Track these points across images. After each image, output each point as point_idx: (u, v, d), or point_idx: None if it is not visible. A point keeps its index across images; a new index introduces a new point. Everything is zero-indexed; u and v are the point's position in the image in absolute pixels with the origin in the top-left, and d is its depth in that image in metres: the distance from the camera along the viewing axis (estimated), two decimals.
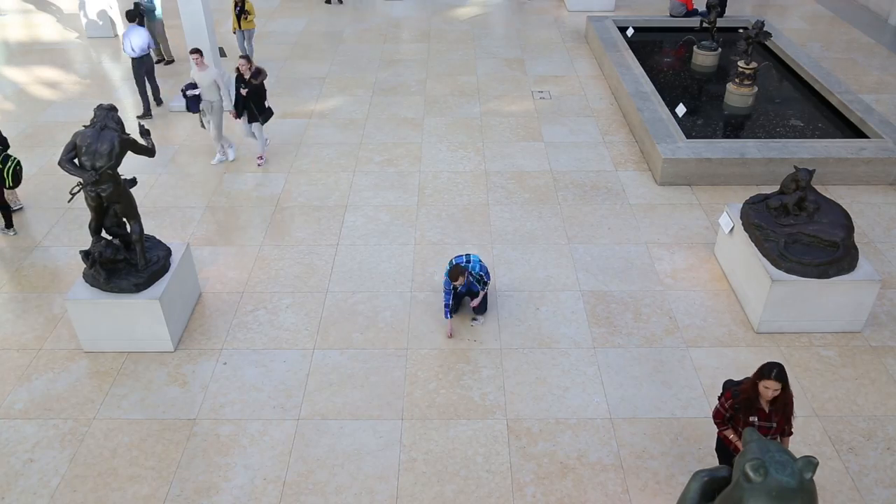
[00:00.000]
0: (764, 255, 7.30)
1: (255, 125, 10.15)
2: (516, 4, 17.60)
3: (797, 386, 6.73)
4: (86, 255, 6.91)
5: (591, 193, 9.74)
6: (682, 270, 8.28)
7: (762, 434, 4.82)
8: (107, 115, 6.57)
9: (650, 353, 7.15)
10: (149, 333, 7.08)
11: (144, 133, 6.95)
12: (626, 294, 7.93)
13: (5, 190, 8.87)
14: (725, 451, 5.26)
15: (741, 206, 7.94)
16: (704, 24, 13.26)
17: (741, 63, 11.51)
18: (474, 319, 7.55)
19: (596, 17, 15.20)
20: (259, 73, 9.90)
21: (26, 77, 13.67)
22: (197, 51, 9.82)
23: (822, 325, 7.32)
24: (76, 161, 6.49)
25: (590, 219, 9.21)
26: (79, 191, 6.64)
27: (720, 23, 13.69)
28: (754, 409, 4.87)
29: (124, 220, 7.00)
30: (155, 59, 14.02)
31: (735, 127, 11.21)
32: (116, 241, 7.04)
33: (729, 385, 5.15)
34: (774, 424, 4.88)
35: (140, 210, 9.35)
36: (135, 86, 12.38)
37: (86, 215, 9.01)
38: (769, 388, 4.72)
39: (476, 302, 7.41)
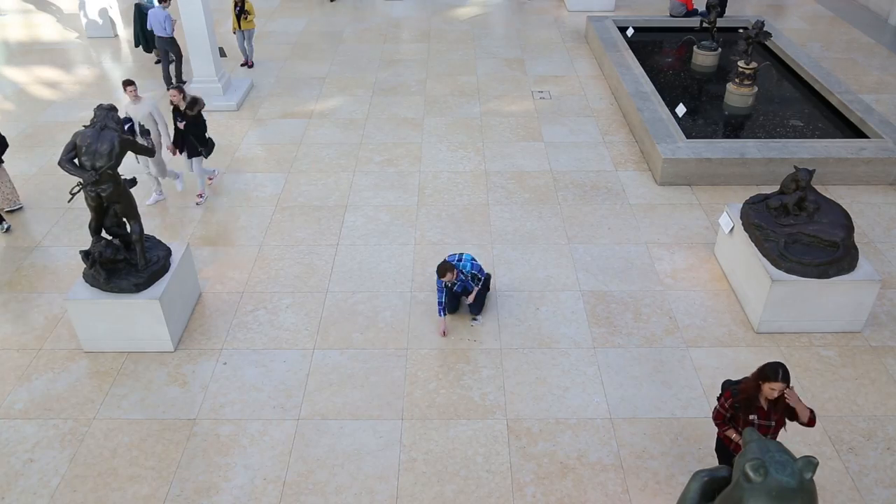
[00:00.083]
0: (764, 255, 7.30)
1: (196, 160, 9.34)
2: (516, 4, 17.60)
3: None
4: (86, 255, 6.91)
5: (591, 193, 9.74)
6: (682, 270, 8.28)
7: (762, 433, 4.82)
8: (107, 115, 6.58)
9: (650, 353, 7.15)
10: (149, 333, 7.08)
11: (144, 133, 6.95)
12: (626, 294, 7.93)
13: None
14: (725, 451, 5.26)
15: (741, 206, 7.94)
16: (704, 24, 13.26)
17: (741, 63, 11.52)
18: (474, 319, 7.55)
19: (596, 17, 15.20)
20: (195, 102, 9.09)
21: (26, 77, 13.67)
22: (130, 83, 8.87)
23: (822, 325, 7.32)
24: (76, 161, 6.49)
25: (590, 219, 9.21)
26: (79, 191, 6.65)
27: (720, 23, 13.68)
28: (754, 407, 4.88)
29: (124, 220, 7.01)
30: (155, 59, 14.04)
31: (735, 127, 11.21)
32: (116, 241, 7.05)
33: (728, 385, 5.15)
34: (774, 423, 4.88)
35: (140, 210, 9.34)
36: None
37: (86, 215, 9.00)
38: (775, 390, 4.73)
39: (471, 298, 7.42)
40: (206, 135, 9.37)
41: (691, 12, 15.13)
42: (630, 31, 14.49)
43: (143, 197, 9.70)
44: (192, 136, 9.16)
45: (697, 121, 11.24)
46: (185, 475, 5.97)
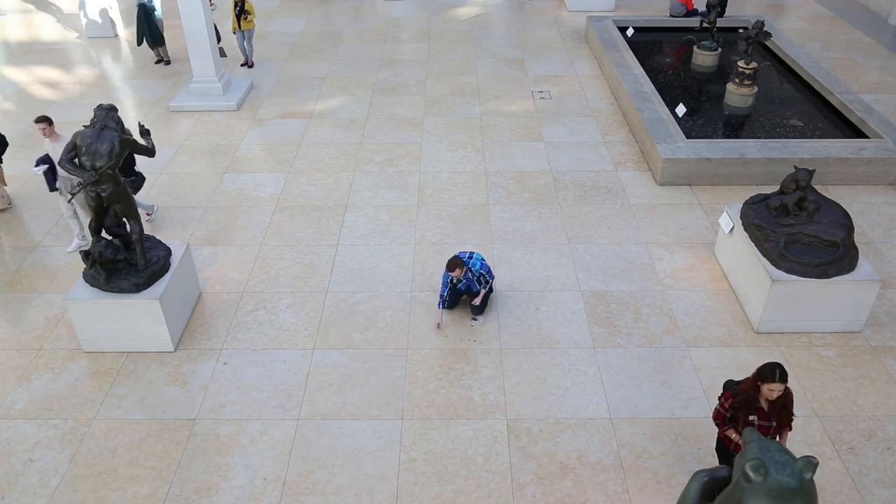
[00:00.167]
0: (764, 255, 7.30)
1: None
2: (516, 4, 17.60)
3: (797, 386, 6.73)
4: (86, 255, 6.91)
5: (591, 193, 9.74)
6: (682, 270, 8.28)
7: (762, 433, 4.83)
8: (107, 115, 6.57)
9: (650, 353, 7.15)
10: (149, 333, 7.08)
11: (144, 133, 6.95)
12: (626, 294, 7.93)
13: None
14: (725, 451, 5.27)
15: (741, 206, 7.94)
16: (704, 24, 13.25)
17: (741, 63, 11.51)
18: (474, 319, 7.55)
19: (596, 17, 15.20)
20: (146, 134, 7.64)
21: (26, 77, 13.67)
22: (44, 119, 7.96)
23: (822, 325, 7.32)
24: (76, 161, 6.49)
25: (590, 219, 9.21)
26: (79, 191, 6.64)
27: (720, 23, 13.68)
28: (754, 408, 4.88)
29: (124, 220, 7.00)
30: (154, 59, 14.04)
31: (735, 127, 11.21)
32: (116, 241, 7.04)
33: (729, 385, 5.15)
34: (774, 423, 4.89)
35: (140, 210, 9.34)
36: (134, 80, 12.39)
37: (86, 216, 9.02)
38: (774, 391, 4.73)
39: (477, 301, 7.43)
40: (135, 168, 8.67)
41: (691, 12, 15.13)
42: (630, 31, 14.49)
43: (141, 197, 9.70)
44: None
45: (697, 121, 11.24)
46: (185, 475, 5.97)
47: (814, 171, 7.31)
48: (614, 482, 5.88)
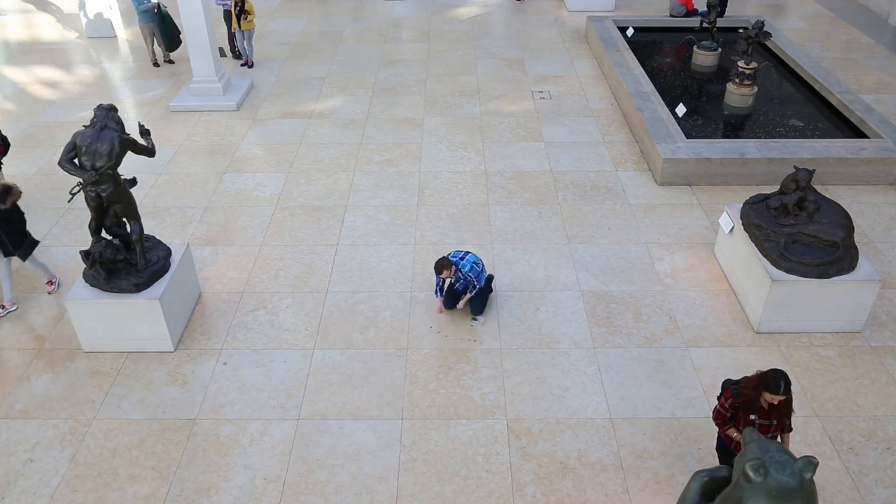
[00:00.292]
0: (764, 255, 7.29)
1: (3, 262, 7.51)
2: (516, 5, 17.60)
3: (797, 386, 6.73)
4: (86, 255, 6.91)
5: (591, 193, 9.74)
6: (682, 270, 8.28)
7: (762, 433, 4.83)
8: (107, 115, 6.57)
9: (650, 353, 7.15)
10: (149, 333, 7.08)
11: (144, 133, 6.95)
12: (626, 294, 7.92)
13: None
14: (725, 451, 5.27)
15: (741, 206, 7.94)
16: (704, 24, 13.26)
17: (741, 63, 11.51)
18: (474, 319, 7.55)
19: (596, 17, 15.20)
20: (8, 192, 7.35)
21: (26, 77, 13.67)
22: None
23: (822, 325, 7.32)
24: (76, 161, 6.49)
25: (590, 219, 9.21)
26: (79, 191, 6.64)
27: (720, 23, 13.68)
28: (754, 408, 4.88)
29: (124, 220, 7.00)
30: (151, 59, 14.03)
31: (735, 127, 11.21)
32: (116, 241, 7.04)
33: (728, 384, 5.15)
34: (775, 422, 4.89)
35: (140, 210, 9.34)
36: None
37: (86, 215, 9.00)
38: (776, 399, 4.74)
39: (460, 304, 7.47)
40: (26, 228, 7.68)
41: (691, 12, 15.13)
42: (630, 31, 14.49)
43: (141, 197, 9.70)
44: (3, 234, 7.36)
45: (697, 121, 11.24)
46: (185, 475, 5.97)
47: (814, 171, 7.31)
48: (614, 482, 5.88)
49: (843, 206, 7.77)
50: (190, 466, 6.04)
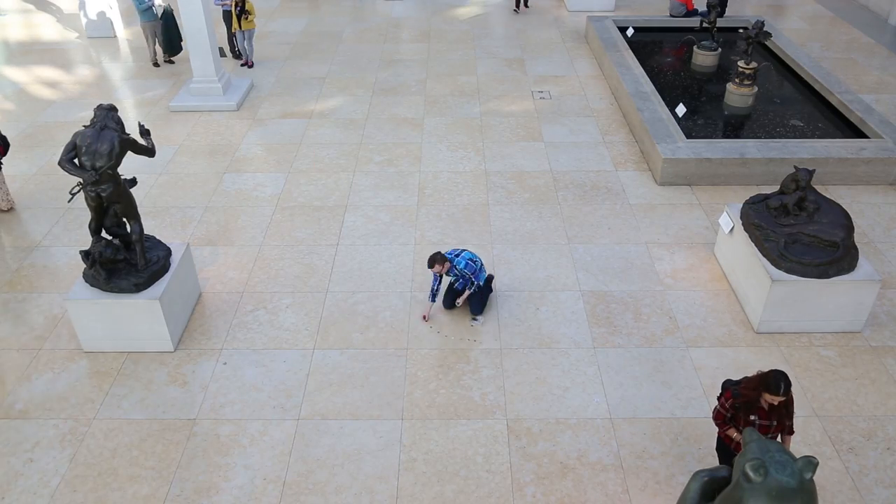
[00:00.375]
0: (764, 255, 7.30)
1: None
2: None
3: (797, 386, 6.73)
4: (86, 255, 6.91)
5: (591, 193, 9.74)
6: (682, 270, 8.28)
7: (762, 433, 4.83)
8: (107, 115, 6.57)
9: (650, 353, 7.15)
10: (149, 333, 7.08)
11: (144, 133, 6.95)
12: (626, 294, 7.92)
13: None
14: (725, 450, 5.27)
15: (741, 206, 7.94)
16: (704, 24, 13.26)
17: (741, 63, 11.52)
18: (474, 319, 7.55)
19: (596, 17, 15.20)
20: None
21: (26, 77, 13.67)
22: None
23: (822, 325, 7.32)
24: (76, 161, 6.49)
25: (590, 219, 9.21)
26: (79, 191, 6.64)
27: (720, 23, 13.69)
28: (754, 408, 4.88)
29: (124, 220, 7.00)
30: (151, 59, 14.02)
31: (735, 127, 11.21)
32: (116, 241, 7.04)
33: (728, 385, 5.15)
34: (775, 423, 4.89)
35: (140, 210, 9.35)
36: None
37: (86, 215, 9.01)
38: (776, 400, 4.74)
39: (459, 301, 7.48)
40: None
41: (691, 12, 15.13)
42: (630, 31, 14.49)
43: (141, 197, 9.71)
44: None
45: (697, 121, 11.24)
46: (185, 475, 5.97)
47: (814, 171, 7.31)
48: (614, 482, 5.88)
49: (843, 206, 7.77)
50: (190, 466, 6.04)
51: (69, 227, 9.13)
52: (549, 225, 9.09)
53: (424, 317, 7.52)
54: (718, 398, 5.12)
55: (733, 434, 5.05)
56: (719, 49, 13.18)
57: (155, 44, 13.89)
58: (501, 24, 16.34)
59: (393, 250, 8.64)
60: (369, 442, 6.23)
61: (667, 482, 5.87)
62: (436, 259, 7.19)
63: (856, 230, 8.47)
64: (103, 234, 7.12)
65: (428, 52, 14.66)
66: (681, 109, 11.17)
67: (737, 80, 11.61)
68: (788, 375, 4.76)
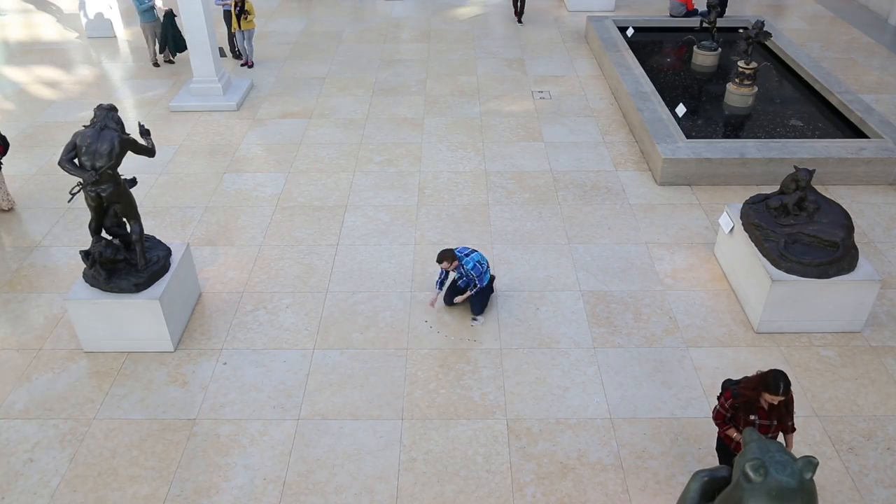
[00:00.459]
0: (764, 255, 7.29)
1: None
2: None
3: (797, 386, 6.73)
4: (86, 255, 6.91)
5: (591, 193, 9.74)
6: (682, 270, 8.28)
7: (762, 432, 4.83)
8: (107, 115, 6.57)
9: (650, 353, 7.15)
10: (149, 333, 7.08)
11: (144, 133, 6.95)
12: (626, 294, 7.92)
13: None
14: (725, 450, 5.27)
15: (741, 206, 7.94)
16: (704, 24, 13.26)
17: (741, 63, 11.51)
18: (474, 319, 7.55)
19: (596, 17, 15.20)
20: None
21: (26, 77, 13.67)
22: None
23: (822, 325, 7.32)
24: (76, 161, 6.49)
25: (590, 219, 9.21)
26: (79, 191, 6.64)
27: (720, 23, 13.69)
28: (754, 408, 4.88)
29: (124, 220, 7.00)
30: (151, 59, 14.03)
31: (735, 127, 11.21)
32: (116, 241, 7.04)
33: (728, 384, 5.15)
34: (775, 422, 4.89)
35: (140, 210, 9.35)
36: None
37: (86, 215, 9.01)
38: (775, 400, 4.74)
39: (458, 299, 7.52)
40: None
41: (691, 12, 15.13)
42: (630, 31, 14.49)
43: (141, 197, 9.72)
44: None
45: (697, 121, 11.24)
46: (185, 475, 5.97)
47: (814, 171, 7.31)
48: (614, 482, 5.88)
49: (843, 206, 7.77)
50: (190, 466, 6.04)
51: (69, 227, 9.13)
52: (549, 225, 9.09)
53: (432, 303, 7.57)
54: (718, 398, 5.12)
55: (733, 434, 5.05)
56: (719, 49, 13.18)
57: (155, 44, 13.89)
58: (501, 24, 16.34)
59: (393, 250, 8.64)
60: (369, 442, 6.24)
61: (667, 482, 5.87)
62: (445, 256, 7.23)
63: (856, 230, 8.47)
64: (103, 234, 7.12)
65: (428, 52, 14.66)
66: (681, 109, 11.17)
67: (737, 80, 11.61)
68: (788, 375, 4.76)
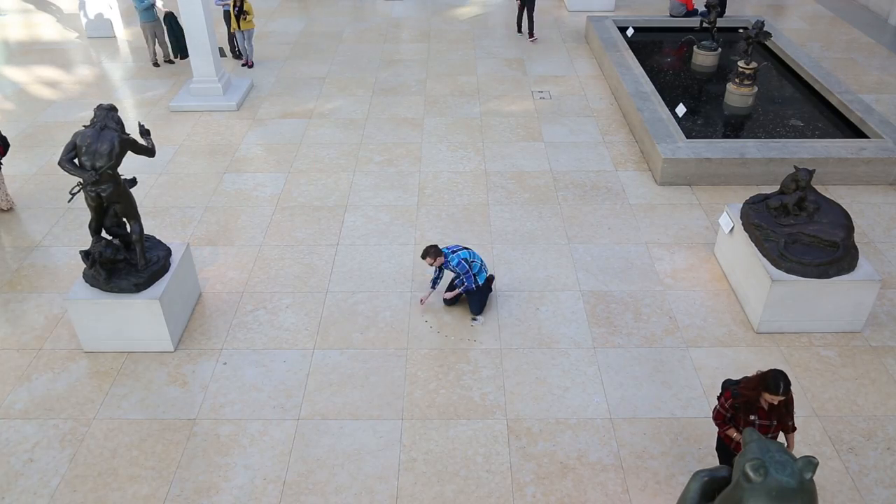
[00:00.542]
0: (764, 255, 7.29)
1: None
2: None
3: (797, 386, 6.73)
4: (86, 255, 6.91)
5: (591, 193, 9.74)
6: (682, 270, 8.28)
7: (762, 432, 4.83)
8: (107, 115, 6.57)
9: (650, 353, 7.15)
10: (149, 333, 7.08)
11: (144, 133, 6.95)
12: (626, 294, 7.92)
13: None
14: (725, 450, 5.27)
15: (741, 206, 7.94)
16: (704, 24, 13.26)
17: (741, 63, 11.51)
18: (474, 319, 7.55)
19: (596, 17, 15.20)
20: None
21: (26, 77, 13.67)
22: None
23: (822, 325, 7.32)
24: (76, 161, 6.49)
25: (590, 219, 9.21)
26: (79, 191, 6.64)
27: (720, 23, 13.69)
28: (754, 408, 4.88)
29: (124, 220, 7.00)
30: (151, 59, 14.03)
31: (735, 127, 11.21)
32: (116, 241, 7.04)
33: (728, 385, 5.15)
34: (775, 422, 4.89)
35: (140, 210, 9.35)
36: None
37: (86, 215, 9.02)
38: (775, 400, 4.74)
39: (448, 295, 7.53)
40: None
41: (691, 12, 15.13)
42: (630, 31, 14.49)
43: (141, 197, 9.71)
44: None
45: (697, 121, 11.24)
46: (185, 475, 5.97)
47: (814, 171, 7.31)
48: (614, 482, 5.88)
49: (843, 206, 7.78)
50: (190, 466, 6.04)
51: (69, 227, 9.13)
52: (549, 225, 9.09)
53: (422, 301, 7.58)
54: (718, 398, 5.12)
55: (733, 434, 5.05)
56: (719, 49, 13.18)
57: (155, 44, 13.89)
58: (501, 24, 16.34)
59: (393, 250, 8.64)
60: (369, 442, 6.24)
61: (667, 482, 5.87)
62: (429, 252, 7.23)
63: (856, 230, 8.47)
64: (103, 234, 7.12)
65: (428, 52, 14.66)
66: (681, 109, 11.17)
67: (737, 80, 11.61)
68: (788, 375, 4.76)
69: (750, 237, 7.52)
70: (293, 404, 6.61)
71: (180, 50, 13.98)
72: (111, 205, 6.84)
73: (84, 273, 7.05)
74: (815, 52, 14.35)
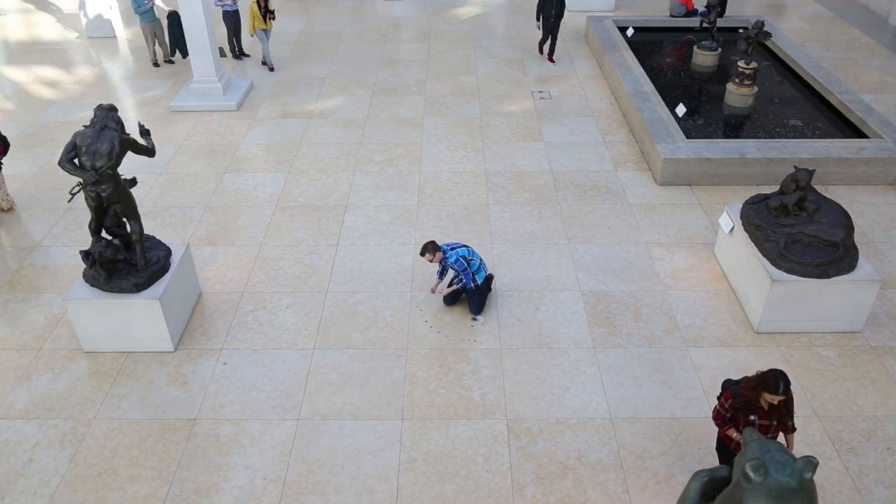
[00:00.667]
0: (764, 255, 7.30)
1: None
2: (516, 5, 17.60)
3: (797, 386, 6.73)
4: (86, 255, 6.91)
5: (591, 193, 9.74)
6: (682, 270, 8.28)
7: (762, 433, 4.83)
8: (107, 115, 6.57)
9: (650, 353, 7.15)
10: (149, 333, 7.08)
11: (144, 133, 6.95)
12: (626, 294, 7.92)
13: None
14: (725, 450, 5.27)
15: (741, 206, 7.94)
16: (704, 24, 13.26)
17: (741, 63, 11.52)
18: (474, 319, 7.55)
19: (596, 17, 15.20)
20: None
21: (26, 77, 13.67)
22: None
23: (822, 325, 7.32)
24: (76, 161, 6.49)
25: (590, 219, 9.21)
26: (79, 191, 6.64)
27: (720, 23, 13.69)
28: (754, 408, 4.89)
29: (124, 220, 7.00)
30: (151, 59, 14.03)
31: (735, 127, 11.21)
32: (116, 241, 7.04)
33: (728, 384, 5.16)
34: (775, 422, 4.89)
35: (140, 210, 9.35)
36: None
37: (86, 215, 9.02)
38: (775, 400, 4.74)
39: (444, 291, 7.55)
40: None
41: (691, 12, 15.13)
42: (630, 31, 14.49)
43: (141, 197, 9.72)
44: None
45: (697, 121, 11.24)
46: (185, 475, 5.97)
47: (814, 171, 7.31)
48: (614, 482, 5.88)
49: (843, 206, 7.78)
50: (190, 466, 6.04)
51: (69, 227, 9.13)
52: (549, 225, 9.09)
53: (431, 290, 7.61)
54: (718, 398, 5.12)
55: (733, 434, 5.05)
56: (719, 49, 13.18)
57: (155, 44, 13.89)
58: (501, 24, 16.34)
59: (393, 250, 8.64)
60: (369, 442, 6.24)
61: (667, 482, 5.88)
62: (427, 248, 7.24)
63: (856, 230, 8.47)
64: (103, 234, 7.12)
65: (428, 52, 14.66)
66: (681, 109, 11.17)
67: (737, 80, 11.61)
68: (788, 375, 4.77)
69: (750, 237, 7.52)
70: (293, 404, 6.61)
71: (179, 49, 13.96)
72: (111, 205, 6.83)
73: (84, 273, 7.05)
74: (815, 52, 14.36)
